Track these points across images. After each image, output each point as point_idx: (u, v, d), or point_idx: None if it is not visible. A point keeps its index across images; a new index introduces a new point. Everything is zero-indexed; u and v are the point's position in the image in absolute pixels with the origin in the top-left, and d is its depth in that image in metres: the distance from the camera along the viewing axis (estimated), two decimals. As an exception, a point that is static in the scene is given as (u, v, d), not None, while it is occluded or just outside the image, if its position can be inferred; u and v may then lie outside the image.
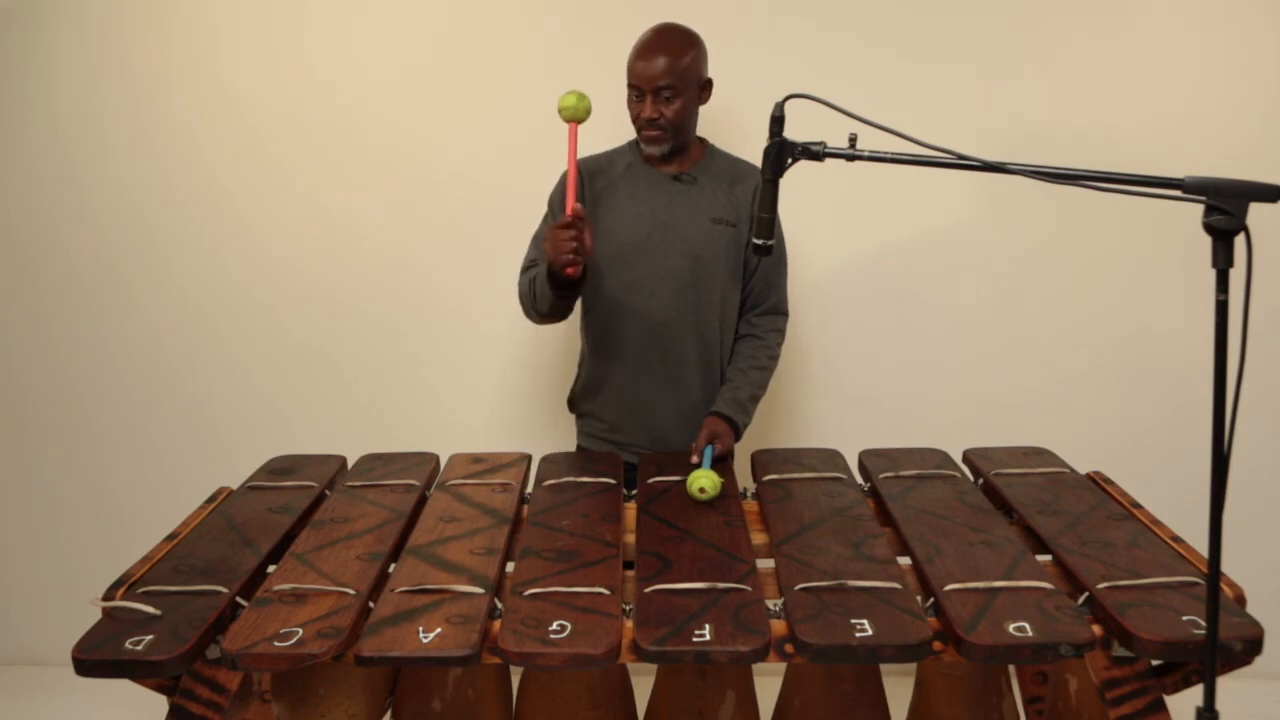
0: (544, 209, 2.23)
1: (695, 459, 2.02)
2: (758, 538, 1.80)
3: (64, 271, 2.83)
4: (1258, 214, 1.26)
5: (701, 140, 2.21)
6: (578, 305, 2.26)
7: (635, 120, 2.10)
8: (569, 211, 1.92)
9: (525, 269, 2.19)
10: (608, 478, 2.02)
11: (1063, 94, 2.62)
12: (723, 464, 2.07)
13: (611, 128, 2.30)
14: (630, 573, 1.66)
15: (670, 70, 2.02)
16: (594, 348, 2.24)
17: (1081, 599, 1.52)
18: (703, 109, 2.15)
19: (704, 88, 2.11)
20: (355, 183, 2.75)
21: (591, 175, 2.18)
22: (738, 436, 2.16)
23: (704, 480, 1.89)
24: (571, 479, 2.01)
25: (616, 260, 2.15)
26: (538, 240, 2.20)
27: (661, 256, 2.14)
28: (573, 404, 2.36)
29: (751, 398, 2.19)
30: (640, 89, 2.04)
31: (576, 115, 1.97)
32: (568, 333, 2.70)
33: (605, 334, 2.21)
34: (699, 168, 2.17)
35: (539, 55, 2.66)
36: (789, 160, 1.53)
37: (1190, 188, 1.24)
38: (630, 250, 2.14)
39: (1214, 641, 1.25)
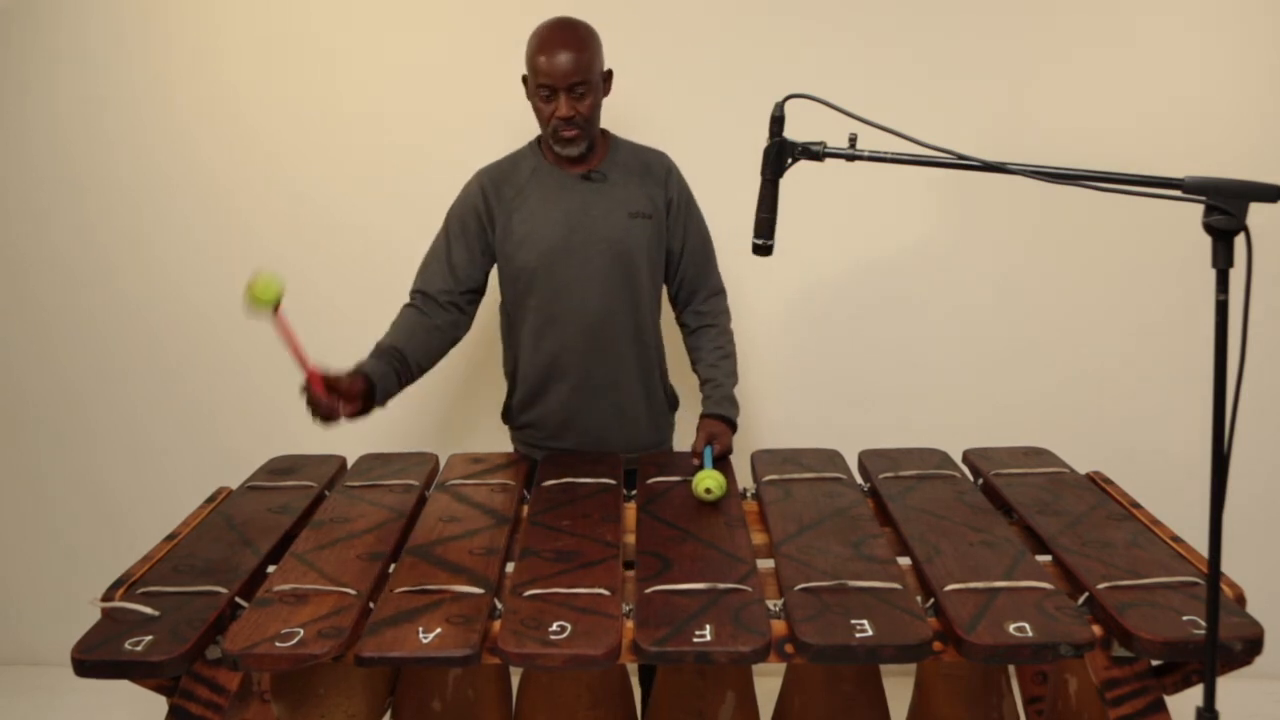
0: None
1: (696, 461, 2.02)
2: (758, 538, 1.80)
3: (64, 271, 2.83)
4: (1258, 214, 1.25)
5: (604, 132, 2.15)
6: (498, 315, 2.25)
7: (547, 121, 2.01)
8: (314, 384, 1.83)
9: (410, 293, 2.14)
10: (608, 478, 2.02)
11: (1063, 94, 2.62)
12: (723, 463, 2.07)
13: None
14: (630, 573, 1.66)
15: (581, 65, 1.96)
16: (527, 360, 2.18)
17: (1081, 599, 1.52)
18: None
19: (607, 79, 2.07)
20: (355, 183, 2.74)
21: (497, 184, 2.12)
22: (733, 431, 2.15)
23: (709, 481, 1.88)
24: (571, 479, 2.01)
25: (539, 269, 2.09)
26: (429, 264, 2.14)
27: (584, 258, 2.08)
28: (507, 417, 2.30)
29: (734, 386, 2.18)
30: (552, 87, 1.97)
31: (277, 301, 1.69)
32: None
33: (538, 344, 2.15)
34: (607, 163, 2.12)
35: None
36: (789, 160, 1.53)
37: (1190, 188, 1.24)
38: (551, 257, 2.08)
39: (1214, 641, 1.25)
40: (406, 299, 2.17)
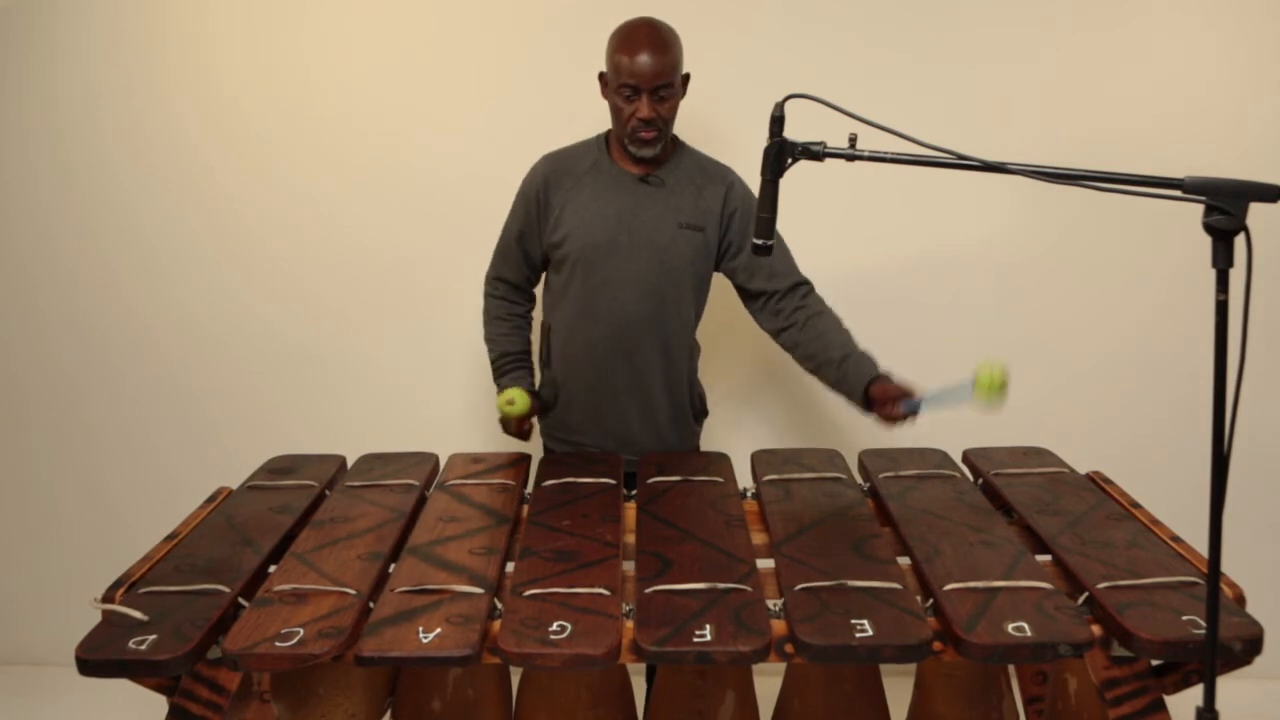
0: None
1: (900, 413, 1.91)
2: (758, 538, 1.80)
3: (63, 272, 2.83)
4: (1258, 214, 1.26)
5: (673, 137, 2.15)
6: (539, 298, 2.30)
7: (627, 121, 2.01)
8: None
9: (492, 280, 2.25)
10: (608, 478, 2.02)
11: (1063, 94, 2.62)
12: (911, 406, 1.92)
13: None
14: (630, 573, 1.66)
15: (668, 67, 1.97)
16: (558, 350, 2.21)
17: (1081, 599, 1.52)
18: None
19: (685, 82, 2.07)
20: (353, 185, 2.75)
21: (559, 174, 2.13)
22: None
23: (993, 370, 1.73)
24: (571, 479, 2.01)
25: (581, 263, 2.10)
26: (503, 247, 2.21)
27: (627, 260, 2.09)
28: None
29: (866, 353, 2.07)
30: (636, 88, 1.97)
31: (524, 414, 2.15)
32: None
33: (570, 337, 2.17)
34: (667, 168, 2.12)
35: (539, 55, 2.66)
36: (789, 160, 1.53)
37: (1190, 188, 1.24)
38: (596, 253, 2.09)
39: (1214, 641, 1.25)
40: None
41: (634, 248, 2.09)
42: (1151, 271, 2.69)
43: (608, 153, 2.13)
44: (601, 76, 2.06)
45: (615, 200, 2.10)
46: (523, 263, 2.20)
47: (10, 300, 2.86)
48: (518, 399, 2.11)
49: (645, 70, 1.96)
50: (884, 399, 1.94)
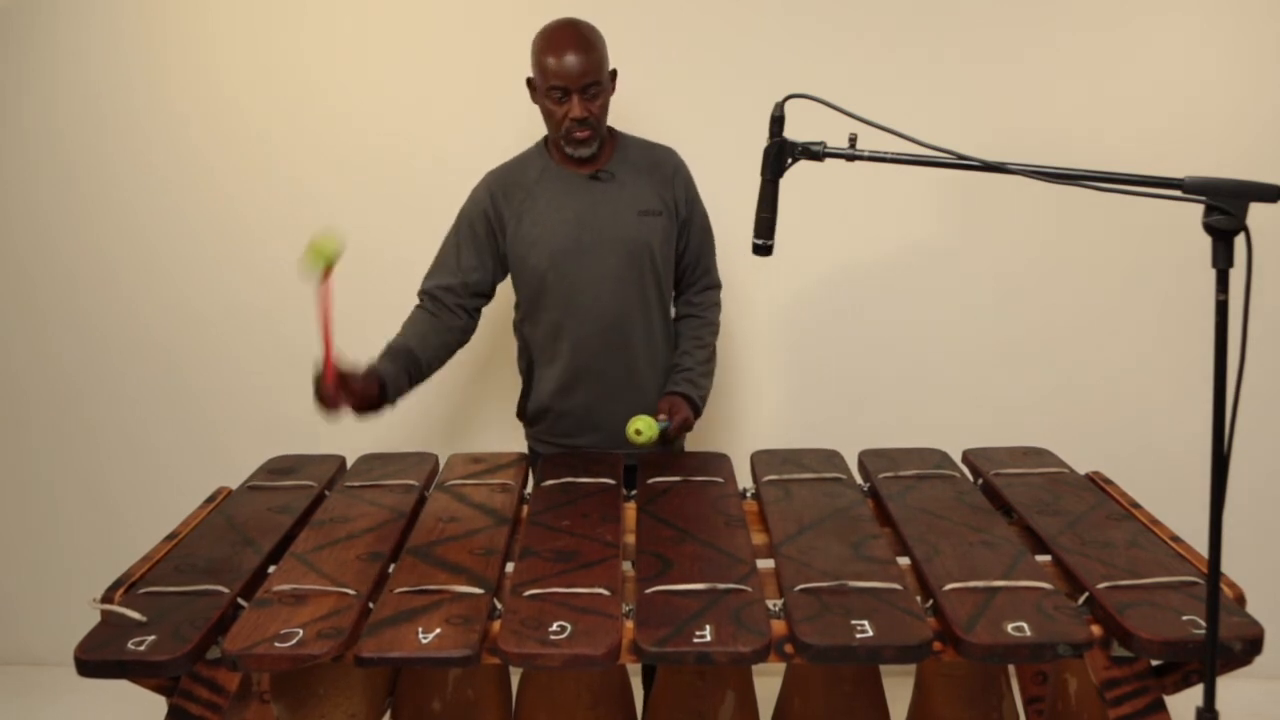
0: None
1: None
2: (758, 538, 1.80)
3: (63, 272, 2.83)
4: (1258, 214, 1.26)
5: (610, 130, 2.16)
6: (511, 315, 2.27)
7: (559, 123, 2.01)
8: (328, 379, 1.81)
9: (420, 293, 2.17)
10: (607, 478, 2.02)
11: (1063, 94, 2.62)
12: (681, 436, 2.09)
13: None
14: (630, 573, 1.66)
15: (593, 65, 1.97)
16: (543, 359, 2.20)
17: (1081, 599, 1.52)
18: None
19: (613, 78, 2.08)
20: (353, 185, 2.74)
21: (506, 188, 2.12)
22: (697, 412, 2.14)
23: (639, 423, 1.96)
24: (571, 479, 2.01)
25: (551, 270, 2.09)
26: (438, 262, 2.16)
27: (596, 259, 2.09)
28: (523, 415, 2.31)
29: (703, 374, 2.19)
30: (565, 89, 1.97)
31: (331, 262, 1.67)
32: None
33: (553, 344, 2.16)
34: (614, 161, 2.12)
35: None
36: (789, 160, 1.53)
37: (1190, 188, 1.24)
38: (562, 258, 2.09)
39: (1214, 641, 1.25)
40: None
41: (600, 245, 2.09)
42: (1151, 271, 2.69)
43: (552, 158, 2.13)
44: (529, 82, 2.05)
45: (572, 203, 2.09)
46: (458, 281, 2.13)
47: (10, 300, 2.86)
48: (324, 243, 1.67)
49: (573, 70, 1.96)
50: (662, 410, 2.11)
